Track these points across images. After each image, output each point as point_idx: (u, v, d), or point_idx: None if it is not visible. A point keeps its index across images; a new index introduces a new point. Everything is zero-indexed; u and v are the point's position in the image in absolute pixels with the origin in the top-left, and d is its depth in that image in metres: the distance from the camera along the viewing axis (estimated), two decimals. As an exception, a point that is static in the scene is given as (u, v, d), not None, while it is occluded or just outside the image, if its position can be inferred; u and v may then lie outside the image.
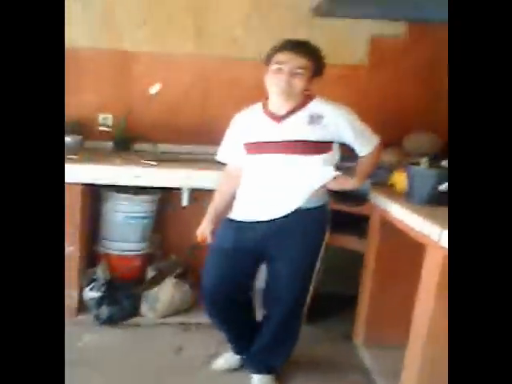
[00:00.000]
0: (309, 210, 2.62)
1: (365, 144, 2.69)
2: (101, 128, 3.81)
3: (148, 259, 3.64)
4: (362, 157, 2.73)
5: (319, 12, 3.70)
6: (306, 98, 2.59)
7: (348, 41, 3.87)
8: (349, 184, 2.73)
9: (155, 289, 3.44)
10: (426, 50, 3.92)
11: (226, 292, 2.72)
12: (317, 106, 2.58)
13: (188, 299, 3.56)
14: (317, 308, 3.47)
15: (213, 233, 2.77)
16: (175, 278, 3.48)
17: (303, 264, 2.70)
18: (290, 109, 2.57)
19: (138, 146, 3.77)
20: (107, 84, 3.83)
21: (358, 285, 3.37)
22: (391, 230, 2.89)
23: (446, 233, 2.27)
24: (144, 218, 3.55)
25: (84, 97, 3.79)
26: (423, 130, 3.69)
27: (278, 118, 2.57)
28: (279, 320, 2.77)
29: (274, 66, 2.49)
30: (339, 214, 3.18)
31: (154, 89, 3.77)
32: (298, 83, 2.48)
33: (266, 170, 2.60)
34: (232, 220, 2.69)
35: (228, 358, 3.00)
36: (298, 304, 2.78)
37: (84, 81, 3.79)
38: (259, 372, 2.87)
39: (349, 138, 2.63)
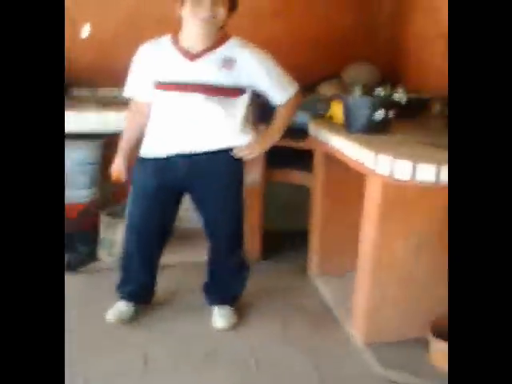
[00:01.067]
0: (227, 151, 2.64)
1: (281, 91, 2.66)
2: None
3: (100, 205, 3.66)
4: (279, 106, 2.70)
5: None
6: (221, 38, 2.54)
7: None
8: (255, 150, 2.71)
9: (109, 233, 3.49)
10: None
11: (152, 233, 2.80)
12: (231, 48, 2.53)
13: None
14: (271, 245, 3.67)
15: (127, 169, 2.78)
16: None
17: (231, 201, 2.77)
18: (204, 47, 2.51)
19: (76, 92, 3.70)
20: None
21: (307, 217, 3.45)
22: (335, 161, 2.94)
23: (381, 158, 2.35)
24: (91, 163, 3.54)
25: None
26: (361, 61, 3.73)
27: (192, 56, 2.51)
28: (226, 253, 2.89)
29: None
30: (282, 150, 3.22)
31: (85, 31, 3.66)
32: (221, 11, 2.43)
33: (181, 108, 2.55)
34: (148, 159, 2.66)
35: (121, 308, 2.95)
36: (237, 235, 2.87)
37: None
38: (219, 303, 2.97)
39: (263, 83, 2.60)
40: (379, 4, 3.79)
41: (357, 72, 3.63)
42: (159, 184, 2.65)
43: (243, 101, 2.60)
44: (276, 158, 3.37)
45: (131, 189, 2.77)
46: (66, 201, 3.48)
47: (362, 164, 2.50)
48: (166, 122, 2.60)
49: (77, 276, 3.41)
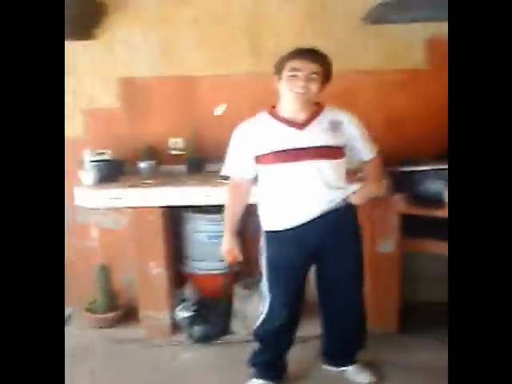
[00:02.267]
0: (344, 207, 2.71)
1: (369, 150, 2.79)
2: (172, 152, 3.85)
3: (235, 276, 3.67)
4: (368, 161, 2.82)
5: (371, 19, 3.67)
6: (318, 106, 2.69)
7: (405, 45, 3.81)
8: (371, 192, 2.83)
9: (242, 305, 3.49)
10: None
11: (300, 303, 2.85)
12: (333, 113, 2.68)
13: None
14: (410, 318, 3.55)
15: (239, 248, 2.81)
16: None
17: (357, 258, 2.81)
18: (308, 116, 2.64)
19: (210, 167, 3.81)
20: (174, 109, 3.88)
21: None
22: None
23: None
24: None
25: (153, 123, 3.86)
26: None
27: (299, 125, 2.62)
28: (349, 322, 2.91)
29: (288, 73, 2.55)
30: (420, 219, 3.22)
31: (220, 110, 3.82)
32: (314, 87, 2.55)
33: (297, 177, 2.61)
34: (281, 231, 2.69)
35: None
36: (358, 295, 2.87)
37: (152, 108, 3.85)
38: (348, 364, 3.03)
39: (359, 143, 2.73)
40: None
41: None
42: (297, 253, 2.68)
43: (345, 160, 2.72)
44: (411, 227, 3.31)
45: (266, 266, 2.78)
46: (204, 272, 3.56)
47: None
48: (287, 192, 2.65)
49: (211, 347, 3.42)
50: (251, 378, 2.96)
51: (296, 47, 2.61)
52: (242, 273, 3.68)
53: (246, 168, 2.73)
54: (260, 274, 3.24)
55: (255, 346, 2.96)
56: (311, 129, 2.61)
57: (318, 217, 2.63)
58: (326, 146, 2.60)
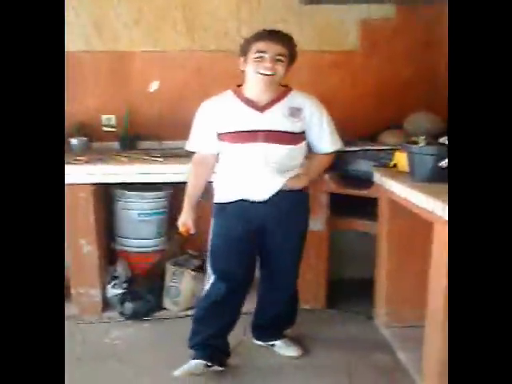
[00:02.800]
0: (293, 192, 2.73)
1: (330, 143, 2.81)
2: (105, 128, 3.82)
3: (166, 253, 3.69)
4: (320, 155, 2.84)
5: (308, 0, 3.72)
6: (284, 90, 2.70)
7: (339, 26, 3.89)
8: (299, 184, 2.77)
9: (175, 282, 3.51)
10: (416, 30, 3.96)
11: (241, 277, 2.82)
12: (296, 98, 2.69)
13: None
14: (337, 292, 3.63)
15: (194, 221, 2.79)
16: (193, 270, 3.54)
17: (298, 235, 2.86)
18: (271, 98, 2.65)
19: (143, 144, 3.80)
20: (107, 85, 3.84)
21: (372, 265, 3.41)
22: (400, 209, 2.93)
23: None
24: (157, 214, 3.59)
25: (86, 100, 3.81)
26: (423, 110, 3.71)
27: (260, 107, 2.64)
28: (284, 298, 2.99)
29: (255, 55, 2.55)
30: (347, 198, 3.28)
31: (153, 86, 3.81)
32: (280, 69, 2.57)
33: (250, 158, 2.64)
34: (229, 203, 2.73)
35: (193, 365, 2.85)
36: (297, 268, 2.94)
37: (84, 84, 3.80)
38: (277, 338, 3.10)
39: (318, 133, 2.76)
40: (440, 54, 3.78)
41: (419, 121, 3.60)
42: (243, 226, 2.71)
43: (304, 146, 2.76)
44: (340, 206, 3.40)
45: (212, 238, 2.80)
46: (135, 250, 3.56)
47: (431, 212, 2.47)
48: (240, 169, 2.69)
49: (142, 324, 3.43)
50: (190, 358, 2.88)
51: (262, 29, 2.62)
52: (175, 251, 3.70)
53: (208, 144, 2.74)
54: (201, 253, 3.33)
55: (193, 326, 2.93)
56: (271, 112, 2.64)
57: (264, 200, 2.68)
58: (282, 131, 2.62)
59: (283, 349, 3.07)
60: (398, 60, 3.98)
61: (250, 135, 2.62)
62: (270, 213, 2.69)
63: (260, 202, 2.67)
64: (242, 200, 2.68)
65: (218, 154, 2.76)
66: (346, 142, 3.09)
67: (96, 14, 3.74)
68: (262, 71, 2.54)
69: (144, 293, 3.49)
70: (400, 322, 3.26)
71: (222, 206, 2.75)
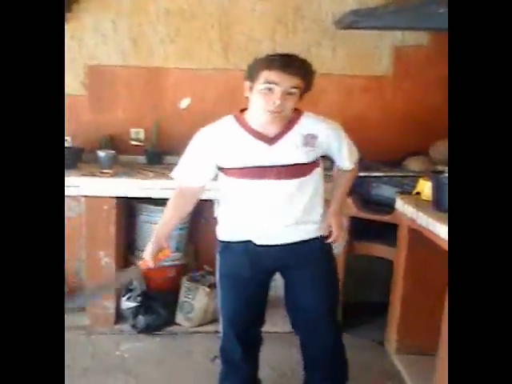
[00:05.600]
0: (315, 239, 2.50)
1: (350, 159, 2.55)
2: (133, 142, 3.95)
3: (182, 269, 3.78)
4: (345, 171, 2.61)
5: (342, 25, 3.79)
6: (293, 116, 2.37)
7: (372, 52, 3.98)
8: (342, 233, 2.60)
9: (189, 297, 3.58)
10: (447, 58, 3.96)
11: (251, 323, 2.66)
12: (309, 123, 2.38)
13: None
14: (350, 316, 3.59)
15: (156, 257, 2.54)
16: (208, 287, 3.60)
17: (329, 295, 2.60)
18: (280, 129, 2.34)
19: (169, 159, 3.88)
20: (139, 100, 3.97)
21: (388, 290, 3.43)
22: (419, 237, 2.95)
23: None
24: (178, 228, 3.64)
25: (117, 113, 3.94)
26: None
27: (270, 140, 2.33)
28: (329, 338, 2.65)
29: (262, 86, 2.20)
30: (367, 223, 3.31)
31: (184, 103, 3.92)
32: (291, 104, 2.24)
33: (255, 196, 2.38)
34: (236, 242, 2.50)
35: None
36: (338, 337, 2.69)
37: (117, 98, 3.93)
38: None
39: (337, 152, 2.50)
40: None
41: (444, 149, 3.59)
42: (252, 267, 2.49)
43: (320, 171, 2.50)
44: (360, 230, 3.44)
45: (218, 278, 2.62)
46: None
47: (446, 241, 2.52)
48: (246, 209, 2.44)
49: (154, 338, 3.50)
50: None
51: (274, 53, 2.31)
52: (191, 265, 3.74)
53: (197, 176, 2.48)
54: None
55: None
56: (281, 144, 2.33)
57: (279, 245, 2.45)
58: (296, 164, 2.34)
59: None
60: (428, 87, 4.03)
61: (261, 171, 2.33)
62: (285, 254, 2.46)
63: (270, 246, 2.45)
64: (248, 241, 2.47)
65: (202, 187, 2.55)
66: (370, 167, 3.10)
67: (134, 30, 3.86)
68: (268, 107, 2.21)
69: (158, 307, 3.57)
70: (411, 349, 3.27)
71: (227, 244, 2.55)
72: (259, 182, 2.34)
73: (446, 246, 2.56)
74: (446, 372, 2.46)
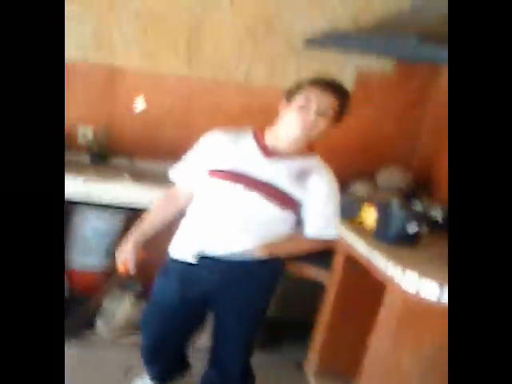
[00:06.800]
0: (263, 262, 2.41)
1: (322, 229, 2.44)
2: (80, 140, 3.84)
3: (110, 276, 3.62)
4: (305, 236, 2.45)
5: (312, 44, 3.80)
6: (307, 149, 2.41)
7: (335, 73, 3.85)
8: (261, 251, 2.37)
9: (113, 304, 3.47)
10: (410, 89, 4.06)
11: (168, 350, 2.69)
12: (311, 162, 2.39)
13: (145, 319, 3.54)
14: (272, 334, 3.58)
15: (136, 261, 2.49)
16: (135, 296, 3.50)
17: (253, 321, 2.58)
18: (289, 152, 2.36)
19: (115, 161, 3.78)
20: (92, 97, 3.88)
21: (315, 313, 3.39)
22: (355, 264, 2.93)
23: (408, 274, 2.40)
24: (111, 234, 3.55)
25: (68, 108, 3.78)
26: (397, 164, 3.79)
27: (269, 153, 2.35)
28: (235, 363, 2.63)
29: (301, 102, 2.27)
30: None
31: (139, 107, 3.82)
32: (322, 125, 2.27)
33: (227, 202, 2.34)
34: (176, 261, 2.46)
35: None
36: (251, 344, 2.66)
37: (69, 92, 3.79)
38: None
39: (316, 212, 2.40)
40: (421, 114, 4.00)
41: (390, 175, 3.66)
42: (183, 295, 2.45)
43: (292, 218, 2.41)
44: None
45: (151, 294, 2.60)
46: (80, 267, 3.50)
47: (386, 275, 2.55)
48: (205, 215, 2.40)
49: (68, 343, 3.29)
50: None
51: (318, 76, 2.38)
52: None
53: (195, 180, 2.46)
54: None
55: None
56: (276, 164, 2.34)
57: (217, 260, 2.37)
58: (278, 189, 2.31)
59: None
60: (384, 115, 4.06)
61: (238, 177, 2.31)
62: (221, 278, 2.39)
63: (213, 260, 2.36)
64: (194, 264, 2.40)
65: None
66: None
67: (99, 26, 3.79)
68: (301, 125, 2.26)
69: (78, 311, 3.44)
70: (330, 373, 3.27)
71: (166, 266, 2.51)
72: (229, 185, 2.32)
73: (380, 277, 2.59)
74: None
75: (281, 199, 2.31)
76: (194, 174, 2.46)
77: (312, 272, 3.42)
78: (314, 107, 2.25)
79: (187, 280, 2.42)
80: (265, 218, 2.34)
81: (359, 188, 3.62)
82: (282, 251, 2.47)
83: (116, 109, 3.89)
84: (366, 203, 3.14)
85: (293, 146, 2.34)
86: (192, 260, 2.38)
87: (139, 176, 3.52)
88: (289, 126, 2.30)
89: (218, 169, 2.36)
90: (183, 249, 2.43)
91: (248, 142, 2.39)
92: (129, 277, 2.67)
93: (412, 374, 2.48)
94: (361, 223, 3.10)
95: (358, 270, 2.88)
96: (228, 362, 2.60)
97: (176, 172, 2.54)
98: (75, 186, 3.29)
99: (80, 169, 3.54)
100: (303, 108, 2.26)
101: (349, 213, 3.16)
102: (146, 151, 3.82)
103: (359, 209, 3.14)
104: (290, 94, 2.34)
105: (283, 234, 2.40)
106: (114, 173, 3.53)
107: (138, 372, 2.96)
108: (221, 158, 2.37)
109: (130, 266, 2.49)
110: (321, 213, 2.41)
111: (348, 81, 3.91)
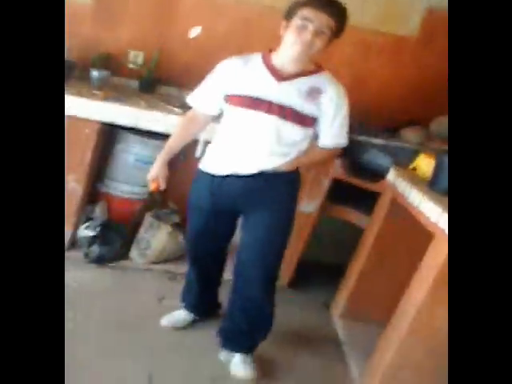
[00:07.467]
0: (282, 174, 2.56)
1: (334, 139, 2.60)
2: (130, 65, 3.75)
3: (148, 204, 3.62)
4: (321, 147, 2.62)
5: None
6: (314, 68, 2.52)
7: (403, 11, 3.73)
8: (284, 167, 2.56)
9: (148, 234, 3.46)
10: None
11: (207, 249, 2.82)
12: (322, 80, 2.49)
13: (179, 250, 3.58)
14: (302, 274, 3.60)
15: (166, 177, 2.73)
16: (171, 226, 3.48)
17: (279, 228, 2.63)
18: (296, 71, 2.47)
19: (164, 90, 3.68)
20: (145, 21, 3.77)
21: (347, 257, 3.39)
22: (399, 212, 2.87)
23: None
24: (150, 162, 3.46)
25: (120, 30, 3.74)
26: None
27: (280, 77, 2.46)
28: (252, 298, 2.70)
29: (298, 22, 2.36)
30: (349, 187, 3.21)
31: (194, 32, 3.68)
32: (320, 43, 2.37)
33: (253, 127, 2.48)
34: (206, 173, 2.62)
35: (178, 316, 3.02)
36: (271, 277, 2.69)
37: (124, 14, 3.72)
38: (237, 351, 2.81)
39: (328, 124, 2.54)
40: None
41: (445, 124, 3.44)
42: (214, 202, 2.62)
43: (310, 132, 2.56)
44: (339, 193, 3.31)
45: (188, 200, 2.74)
46: (120, 194, 3.46)
47: (437, 225, 2.45)
48: (230, 140, 2.56)
49: (104, 269, 3.39)
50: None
51: None
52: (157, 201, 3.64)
53: (211, 103, 2.63)
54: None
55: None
56: (288, 85, 2.45)
57: (241, 176, 2.54)
58: (292, 109, 2.44)
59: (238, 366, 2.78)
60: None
61: (256, 103, 2.44)
62: (245, 192, 2.56)
63: (239, 177, 2.53)
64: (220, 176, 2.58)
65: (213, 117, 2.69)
66: (367, 131, 2.90)
67: None
68: (299, 42, 2.35)
69: (114, 239, 3.45)
70: (356, 316, 3.29)
71: (202, 173, 2.65)
72: (251, 112, 2.45)
73: (433, 229, 2.49)
74: (389, 350, 2.52)
75: (298, 119, 2.46)
76: (210, 98, 2.62)
77: (353, 216, 3.37)
78: (310, 27, 2.34)
79: (215, 191, 2.59)
80: (288, 138, 2.50)
81: (411, 134, 3.47)
82: (302, 164, 2.66)
83: (170, 34, 3.76)
84: (420, 151, 3.03)
85: (298, 66, 2.46)
86: (221, 174, 2.57)
87: (187, 107, 3.41)
88: (289, 47, 2.42)
89: (235, 94, 2.50)
90: (215, 166, 2.59)
91: (258, 65, 2.51)
92: (161, 195, 2.90)
93: (443, 331, 2.29)
94: (414, 172, 2.99)
95: (401, 217, 2.82)
96: (251, 270, 2.65)
97: (196, 97, 2.68)
98: (122, 112, 3.23)
99: (129, 94, 3.48)
100: (300, 28, 2.35)
101: (400, 158, 3.10)
102: (196, 82, 3.67)
103: (413, 156, 3.03)
104: (288, 14, 2.43)
105: (304, 149, 2.58)
106: (163, 101, 3.45)
107: (171, 300, 3.10)
108: (235, 82, 2.50)
109: (161, 183, 2.74)
110: (334, 124, 2.54)
111: (415, 18, 3.72)
